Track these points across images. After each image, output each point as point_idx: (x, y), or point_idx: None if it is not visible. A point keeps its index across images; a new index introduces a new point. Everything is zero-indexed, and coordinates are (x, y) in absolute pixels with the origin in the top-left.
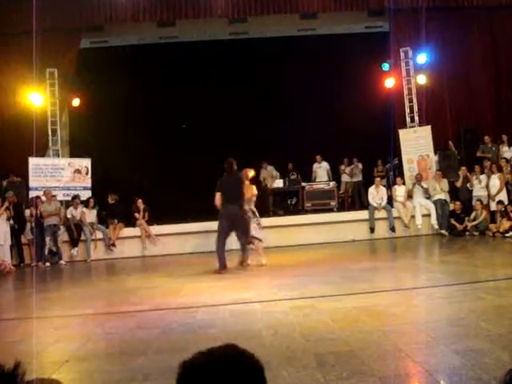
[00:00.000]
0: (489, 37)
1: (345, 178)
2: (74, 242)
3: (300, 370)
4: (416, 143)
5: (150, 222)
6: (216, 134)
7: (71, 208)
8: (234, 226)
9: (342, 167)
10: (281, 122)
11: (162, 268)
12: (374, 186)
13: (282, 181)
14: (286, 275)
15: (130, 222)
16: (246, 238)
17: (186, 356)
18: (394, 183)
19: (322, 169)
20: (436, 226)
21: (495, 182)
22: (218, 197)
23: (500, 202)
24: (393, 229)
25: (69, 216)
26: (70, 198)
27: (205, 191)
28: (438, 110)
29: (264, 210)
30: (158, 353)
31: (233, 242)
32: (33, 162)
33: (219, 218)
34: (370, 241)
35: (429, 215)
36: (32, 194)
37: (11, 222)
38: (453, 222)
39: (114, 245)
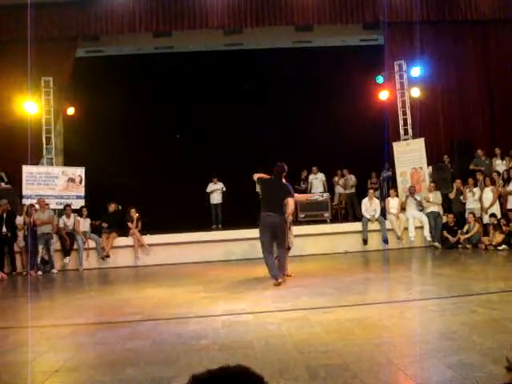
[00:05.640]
0: (482, 50)
1: (338, 189)
2: (66, 250)
3: (292, 382)
4: (409, 156)
5: (143, 232)
6: (211, 144)
7: (63, 217)
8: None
9: (336, 179)
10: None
11: (155, 278)
12: (367, 198)
13: None
14: (279, 286)
15: (123, 232)
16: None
17: (178, 367)
18: (388, 195)
19: (317, 180)
20: (429, 239)
21: (488, 194)
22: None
23: (493, 215)
24: (386, 241)
25: (61, 225)
26: (62, 207)
27: (199, 201)
28: (431, 122)
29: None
30: (149, 364)
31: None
32: (26, 170)
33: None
34: (363, 252)
35: (422, 227)
36: (25, 202)
37: (4, 230)
38: (445, 234)
39: (108, 256)
